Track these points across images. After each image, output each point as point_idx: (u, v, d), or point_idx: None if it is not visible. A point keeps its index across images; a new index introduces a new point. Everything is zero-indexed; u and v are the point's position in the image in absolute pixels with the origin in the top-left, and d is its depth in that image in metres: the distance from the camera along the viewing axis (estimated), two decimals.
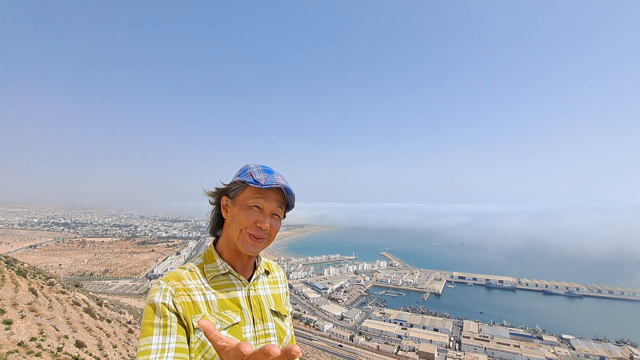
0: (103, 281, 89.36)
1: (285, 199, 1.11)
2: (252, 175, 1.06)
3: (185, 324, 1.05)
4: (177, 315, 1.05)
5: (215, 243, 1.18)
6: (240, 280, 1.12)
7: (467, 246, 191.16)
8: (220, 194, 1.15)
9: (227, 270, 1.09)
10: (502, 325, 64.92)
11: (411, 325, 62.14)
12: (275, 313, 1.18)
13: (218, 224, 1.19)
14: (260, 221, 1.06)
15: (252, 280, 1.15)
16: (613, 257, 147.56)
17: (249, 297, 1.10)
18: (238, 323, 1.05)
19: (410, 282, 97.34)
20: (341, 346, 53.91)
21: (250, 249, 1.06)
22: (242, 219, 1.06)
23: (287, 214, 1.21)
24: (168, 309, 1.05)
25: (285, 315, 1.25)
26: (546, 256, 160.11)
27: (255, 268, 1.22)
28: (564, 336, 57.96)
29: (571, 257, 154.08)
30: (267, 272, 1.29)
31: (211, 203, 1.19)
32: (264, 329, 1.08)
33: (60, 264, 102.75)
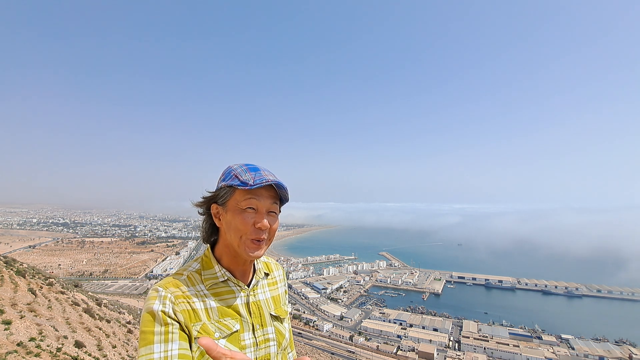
0: (102, 281, 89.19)
1: (277, 193, 1.08)
2: (238, 177, 1.02)
3: (187, 332, 1.02)
4: (178, 322, 1.02)
5: (212, 248, 1.13)
6: (240, 286, 1.09)
7: (464, 246, 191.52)
8: (208, 203, 1.10)
9: (225, 278, 1.07)
10: (502, 325, 65.04)
11: (411, 325, 62.18)
12: (275, 317, 1.16)
13: (212, 232, 1.14)
14: (258, 222, 1.02)
15: (251, 286, 1.13)
16: (597, 256, 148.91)
17: (248, 303, 1.09)
18: (237, 331, 1.02)
19: (410, 282, 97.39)
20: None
21: (255, 253, 1.03)
22: (239, 224, 1.01)
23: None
24: (168, 316, 1.01)
25: (284, 317, 1.23)
26: (534, 255, 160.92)
27: (254, 272, 1.19)
28: (563, 336, 58.06)
29: (558, 256, 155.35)
30: (266, 274, 1.26)
31: (200, 213, 1.14)
32: (264, 334, 1.08)
33: (59, 264, 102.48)
